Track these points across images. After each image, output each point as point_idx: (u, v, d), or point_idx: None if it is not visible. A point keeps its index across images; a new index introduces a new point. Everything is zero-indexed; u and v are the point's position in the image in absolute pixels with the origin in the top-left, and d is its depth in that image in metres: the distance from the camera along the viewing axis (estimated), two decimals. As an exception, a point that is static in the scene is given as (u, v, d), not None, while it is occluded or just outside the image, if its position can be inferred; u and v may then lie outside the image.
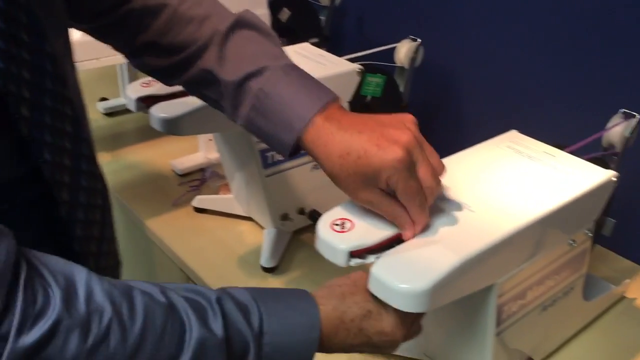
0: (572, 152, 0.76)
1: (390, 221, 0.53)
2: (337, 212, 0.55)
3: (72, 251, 0.50)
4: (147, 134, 1.20)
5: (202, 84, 0.61)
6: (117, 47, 0.65)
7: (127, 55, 0.65)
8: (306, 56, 0.93)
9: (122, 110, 1.30)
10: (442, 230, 0.54)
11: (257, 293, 0.48)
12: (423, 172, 0.51)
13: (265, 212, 0.91)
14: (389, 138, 0.50)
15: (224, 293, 0.46)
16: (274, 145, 0.56)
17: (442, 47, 1.10)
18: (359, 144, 0.50)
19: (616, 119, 0.80)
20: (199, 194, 1.03)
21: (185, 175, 1.09)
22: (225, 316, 0.44)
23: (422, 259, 0.50)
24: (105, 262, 0.55)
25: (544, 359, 0.71)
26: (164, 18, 0.60)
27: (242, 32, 0.59)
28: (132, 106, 0.79)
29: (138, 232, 1.00)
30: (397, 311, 0.50)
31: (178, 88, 0.79)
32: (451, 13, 1.09)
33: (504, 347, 0.61)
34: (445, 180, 0.54)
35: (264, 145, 0.84)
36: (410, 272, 0.49)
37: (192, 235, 0.95)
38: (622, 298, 0.83)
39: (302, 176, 0.90)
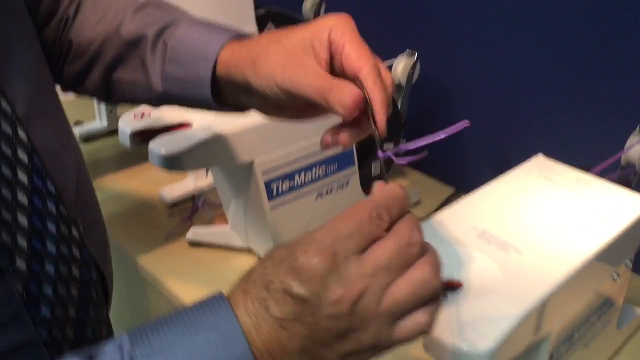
0: (595, 174, 0.74)
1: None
2: None
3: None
4: (129, 160, 1.13)
5: (122, 62, 0.57)
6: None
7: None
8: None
9: (99, 135, 1.22)
10: (494, 278, 0.49)
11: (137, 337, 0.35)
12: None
13: (269, 245, 0.86)
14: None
15: None
16: (194, 92, 0.52)
17: (439, 61, 1.06)
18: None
19: (634, 135, 0.78)
20: (192, 225, 0.97)
21: (176, 205, 1.03)
22: None
23: (479, 314, 0.46)
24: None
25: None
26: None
27: (149, 9, 0.58)
28: (126, 141, 0.73)
29: (129, 270, 0.93)
30: None
31: (175, 120, 0.73)
32: (448, 26, 1.05)
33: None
34: (483, 216, 0.50)
35: (269, 177, 0.79)
36: (470, 330, 0.45)
37: (188, 271, 0.89)
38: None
39: (306, 206, 0.85)
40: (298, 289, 0.34)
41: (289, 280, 0.34)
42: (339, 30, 0.44)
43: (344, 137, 0.44)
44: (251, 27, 1.04)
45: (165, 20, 0.55)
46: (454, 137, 0.46)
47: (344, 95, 0.41)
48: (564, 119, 0.93)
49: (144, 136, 0.72)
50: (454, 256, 0.52)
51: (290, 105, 0.48)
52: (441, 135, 0.44)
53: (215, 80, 0.50)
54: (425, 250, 0.37)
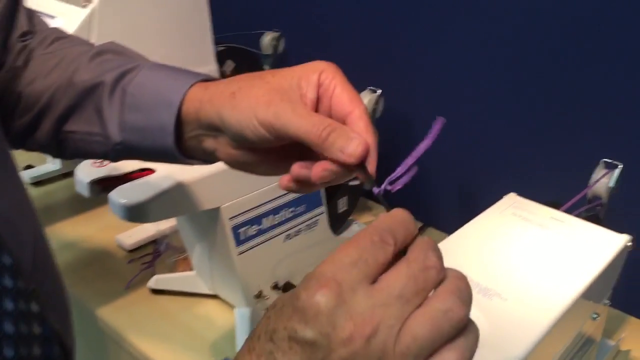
0: (565, 209, 0.74)
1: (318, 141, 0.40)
2: None
3: None
4: (82, 203, 1.08)
5: (75, 112, 0.53)
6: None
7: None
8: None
9: (50, 178, 1.17)
10: (481, 329, 0.48)
11: None
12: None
13: (237, 291, 0.82)
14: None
15: None
16: (155, 142, 0.48)
17: (402, 97, 1.06)
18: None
19: (599, 169, 0.79)
20: (154, 271, 0.93)
21: (135, 250, 0.98)
22: None
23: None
24: None
25: None
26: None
27: (107, 55, 0.54)
28: (84, 190, 0.69)
29: (87, 323, 0.88)
30: None
31: (135, 166, 0.70)
32: (411, 63, 1.05)
33: None
34: (462, 261, 0.48)
35: (236, 222, 0.76)
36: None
37: (152, 322, 0.84)
38: (618, 352, 0.80)
39: (274, 248, 0.83)
40: (303, 332, 0.29)
41: (293, 324, 0.30)
42: (329, 74, 0.42)
43: (324, 173, 0.40)
44: (210, 64, 1.02)
45: (124, 66, 0.51)
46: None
47: (352, 142, 0.39)
48: (530, 156, 0.94)
49: (104, 184, 0.68)
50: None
51: (265, 149, 0.45)
52: (425, 144, 0.42)
53: (179, 128, 0.47)
54: (445, 275, 0.32)
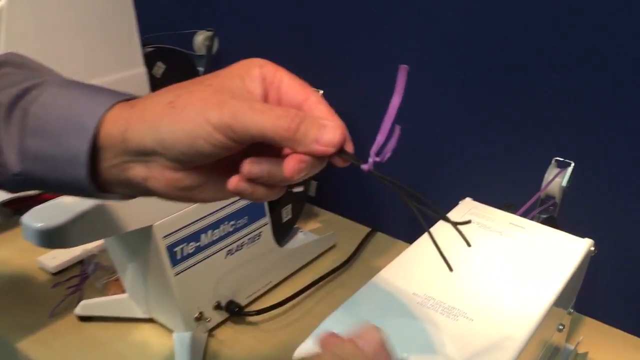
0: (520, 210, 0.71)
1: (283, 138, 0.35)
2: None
3: None
4: (-1, 223, 0.98)
5: None
6: None
7: None
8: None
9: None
10: (447, 354, 0.43)
11: None
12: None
13: (175, 314, 0.75)
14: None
15: None
16: (64, 173, 0.39)
17: (345, 97, 1.01)
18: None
19: (551, 168, 0.76)
20: (82, 296, 0.84)
21: (60, 272, 0.89)
22: None
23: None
24: None
25: None
26: None
27: (4, 68, 0.44)
28: (-8, 214, 0.60)
29: (7, 358, 0.79)
30: None
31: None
32: (352, 60, 1.01)
33: None
34: (422, 278, 0.45)
35: (171, 240, 0.69)
36: None
37: (81, 354, 0.76)
38: (577, 355, 0.78)
39: (216, 265, 0.76)
40: None
41: None
42: (270, 67, 0.38)
43: (301, 165, 0.35)
44: (139, 66, 0.94)
45: (26, 81, 0.42)
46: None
47: (326, 129, 0.35)
48: (481, 157, 0.90)
49: (15, 206, 0.60)
50: (397, 331, 0.45)
51: (210, 166, 0.38)
52: (397, 99, 0.37)
53: (95, 156, 0.38)
54: None
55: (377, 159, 0.36)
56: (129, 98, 0.39)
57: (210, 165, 0.38)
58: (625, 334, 0.82)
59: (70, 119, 0.38)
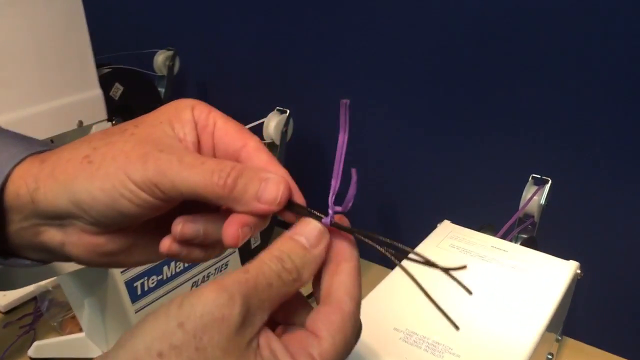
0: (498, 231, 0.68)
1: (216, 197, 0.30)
2: None
3: None
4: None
5: None
6: None
7: None
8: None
9: None
10: (436, 397, 0.39)
11: None
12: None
13: (136, 354, 0.70)
14: None
15: None
16: None
17: (312, 116, 0.98)
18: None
19: (529, 186, 0.74)
20: (36, 336, 0.78)
21: (11, 311, 0.83)
22: None
23: None
24: None
25: None
26: None
27: None
28: None
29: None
30: None
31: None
32: (318, 77, 0.98)
33: None
34: (402, 312, 0.41)
35: (130, 274, 0.64)
36: None
37: (34, 400, 0.70)
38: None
39: (180, 299, 0.71)
40: None
41: None
42: (203, 108, 0.33)
43: (244, 230, 0.30)
44: (94, 88, 0.89)
45: None
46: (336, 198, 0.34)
47: (268, 184, 0.30)
48: (456, 178, 0.88)
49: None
50: (380, 372, 0.41)
51: (137, 226, 0.33)
52: (342, 137, 0.31)
53: (1, 218, 0.32)
54: None
55: (339, 209, 0.31)
56: (40, 150, 0.33)
57: (136, 227, 0.33)
58: (607, 353, 0.80)
59: None
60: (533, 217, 0.73)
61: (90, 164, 0.30)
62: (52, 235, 0.33)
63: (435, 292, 0.49)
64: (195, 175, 0.29)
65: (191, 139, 0.32)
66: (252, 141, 0.33)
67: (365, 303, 0.49)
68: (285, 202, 0.30)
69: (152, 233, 0.33)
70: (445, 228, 0.60)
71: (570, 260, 0.55)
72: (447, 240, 0.57)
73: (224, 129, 0.33)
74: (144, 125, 0.32)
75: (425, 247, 0.56)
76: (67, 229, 0.32)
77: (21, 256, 0.34)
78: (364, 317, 0.47)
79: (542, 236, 0.73)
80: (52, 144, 0.35)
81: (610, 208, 0.75)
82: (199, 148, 0.33)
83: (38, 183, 0.31)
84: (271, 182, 0.30)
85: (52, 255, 0.34)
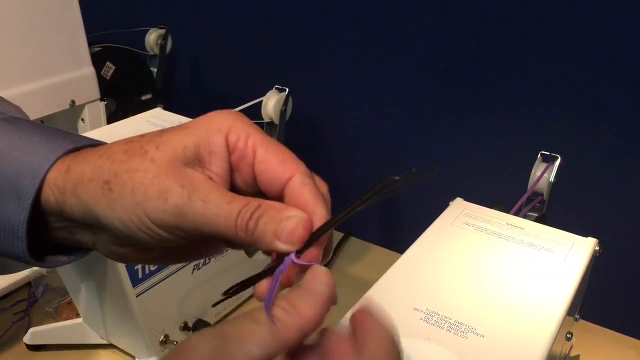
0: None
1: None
2: None
3: None
4: None
5: None
6: None
7: None
8: (162, 126, 0.72)
9: None
10: (462, 379, 0.38)
11: None
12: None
13: (138, 338, 0.68)
14: None
15: None
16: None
17: (311, 94, 0.96)
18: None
19: (538, 163, 0.72)
20: (32, 323, 0.76)
21: (5, 297, 0.81)
22: None
23: None
24: None
25: None
26: None
27: None
28: None
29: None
30: None
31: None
32: (318, 56, 0.95)
33: None
34: (422, 291, 0.41)
35: (130, 257, 0.62)
36: None
37: (31, 388, 0.68)
38: (569, 359, 0.75)
39: (181, 282, 0.69)
40: None
41: None
42: (241, 133, 0.30)
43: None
44: (86, 67, 0.86)
45: None
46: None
47: (288, 222, 0.28)
48: (464, 155, 0.86)
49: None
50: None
51: (163, 248, 0.33)
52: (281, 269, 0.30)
53: (38, 219, 0.31)
54: None
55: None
56: (74, 145, 0.32)
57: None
58: (616, 333, 0.79)
59: (5, 180, 0.31)
60: (542, 195, 0.72)
61: (110, 192, 0.29)
62: (85, 238, 0.33)
63: (459, 271, 0.48)
64: (218, 219, 0.28)
65: (217, 171, 0.30)
66: (298, 175, 0.30)
67: (381, 284, 0.47)
68: (303, 242, 0.28)
69: (178, 247, 0.33)
70: (459, 206, 0.58)
71: (589, 237, 0.54)
72: (461, 218, 0.55)
73: (266, 162, 0.30)
74: (166, 148, 0.30)
75: (440, 225, 0.55)
76: (98, 235, 0.32)
77: (58, 254, 0.34)
78: (381, 298, 0.45)
79: (551, 214, 0.72)
80: (74, 136, 0.33)
81: (621, 185, 0.74)
82: (234, 179, 0.31)
83: (64, 196, 0.31)
84: (291, 222, 0.28)
85: (88, 252, 0.34)
